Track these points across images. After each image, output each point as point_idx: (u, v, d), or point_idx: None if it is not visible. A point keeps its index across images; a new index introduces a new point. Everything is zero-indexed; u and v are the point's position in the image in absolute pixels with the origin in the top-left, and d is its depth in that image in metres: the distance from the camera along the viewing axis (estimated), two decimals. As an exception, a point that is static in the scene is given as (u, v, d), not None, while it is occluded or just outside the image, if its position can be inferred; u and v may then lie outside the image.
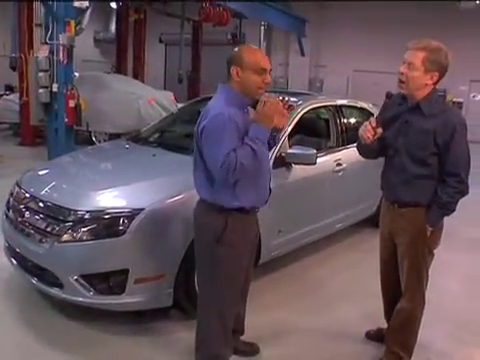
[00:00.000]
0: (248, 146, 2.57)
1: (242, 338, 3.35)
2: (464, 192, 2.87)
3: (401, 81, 2.88)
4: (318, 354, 3.47)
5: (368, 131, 2.92)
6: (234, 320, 3.08)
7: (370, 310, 3.82)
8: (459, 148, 2.82)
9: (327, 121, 5.44)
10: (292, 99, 4.99)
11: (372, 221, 5.71)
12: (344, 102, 5.66)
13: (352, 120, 5.65)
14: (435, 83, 2.86)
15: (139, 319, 3.66)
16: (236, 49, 2.75)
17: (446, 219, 2.98)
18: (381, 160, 3.22)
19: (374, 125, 2.92)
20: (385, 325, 3.43)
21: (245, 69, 2.65)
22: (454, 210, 2.92)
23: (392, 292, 3.30)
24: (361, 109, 5.87)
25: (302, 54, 18.52)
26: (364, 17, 16.69)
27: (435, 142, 2.81)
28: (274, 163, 3.96)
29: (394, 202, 3.06)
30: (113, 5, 15.05)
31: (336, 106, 5.36)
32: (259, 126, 2.63)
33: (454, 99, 16.62)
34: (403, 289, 3.13)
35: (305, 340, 3.62)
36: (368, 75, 16.29)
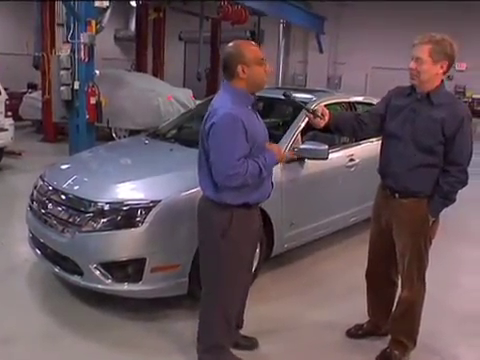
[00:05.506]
0: (258, 166, 2.68)
1: (242, 332, 3.36)
2: (464, 182, 2.98)
3: (413, 77, 2.97)
4: (318, 347, 3.50)
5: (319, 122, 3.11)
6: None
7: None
8: (464, 139, 2.92)
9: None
10: (307, 96, 5.10)
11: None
12: (359, 99, 5.75)
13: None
14: (445, 72, 2.94)
15: (152, 307, 3.80)
16: (231, 46, 2.77)
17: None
18: None
19: (319, 114, 3.08)
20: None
21: (249, 64, 2.70)
22: (455, 200, 3.02)
23: (377, 282, 3.43)
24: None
25: (321, 51, 18.54)
26: (382, 15, 16.62)
27: (443, 131, 2.89)
28: (287, 158, 4.06)
29: (396, 192, 3.12)
30: (133, 3, 15.23)
31: (350, 103, 5.44)
32: (274, 155, 2.81)
33: (474, 95, 16.47)
34: (402, 279, 3.21)
35: (307, 333, 3.67)
36: (387, 72, 16.17)
